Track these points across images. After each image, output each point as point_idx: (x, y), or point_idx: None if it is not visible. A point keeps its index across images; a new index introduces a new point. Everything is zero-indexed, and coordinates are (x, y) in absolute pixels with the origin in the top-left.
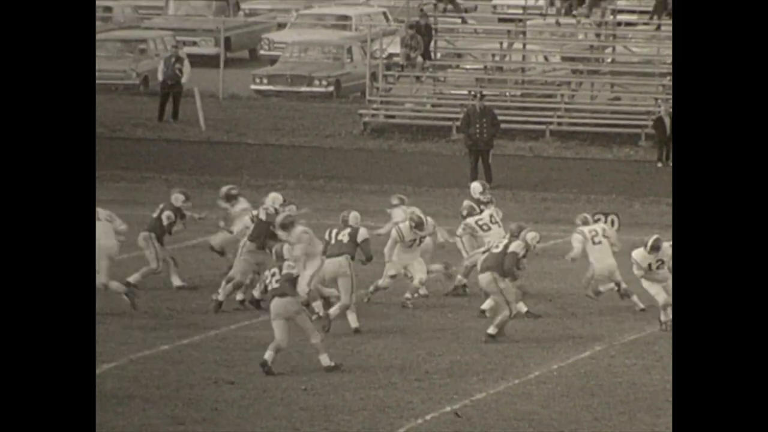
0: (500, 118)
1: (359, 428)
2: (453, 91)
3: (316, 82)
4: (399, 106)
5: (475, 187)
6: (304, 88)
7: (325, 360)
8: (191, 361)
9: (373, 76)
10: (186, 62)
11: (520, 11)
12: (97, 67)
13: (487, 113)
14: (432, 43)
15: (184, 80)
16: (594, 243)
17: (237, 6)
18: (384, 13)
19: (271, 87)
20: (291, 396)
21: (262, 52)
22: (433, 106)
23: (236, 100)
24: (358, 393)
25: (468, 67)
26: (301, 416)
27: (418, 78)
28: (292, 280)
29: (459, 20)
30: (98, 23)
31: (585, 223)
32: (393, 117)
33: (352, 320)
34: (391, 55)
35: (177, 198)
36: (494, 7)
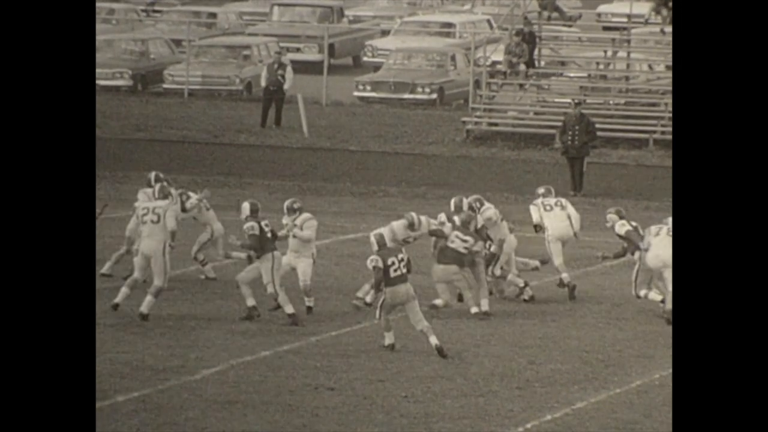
0: (603, 126)
1: None
2: (556, 99)
3: (420, 89)
4: (502, 114)
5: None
6: (407, 95)
7: (433, 340)
8: (291, 367)
9: (477, 84)
10: (289, 68)
11: (625, 19)
12: (201, 72)
13: (583, 121)
14: (536, 51)
15: (286, 86)
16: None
17: (341, 13)
18: (488, 21)
19: (374, 94)
20: (391, 403)
21: (365, 58)
22: (536, 113)
23: (339, 107)
24: (459, 400)
25: (572, 75)
26: (402, 423)
27: (521, 86)
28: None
29: (563, 28)
30: (202, 29)
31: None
32: (496, 125)
33: (485, 304)
34: (494, 63)
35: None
36: (598, 15)
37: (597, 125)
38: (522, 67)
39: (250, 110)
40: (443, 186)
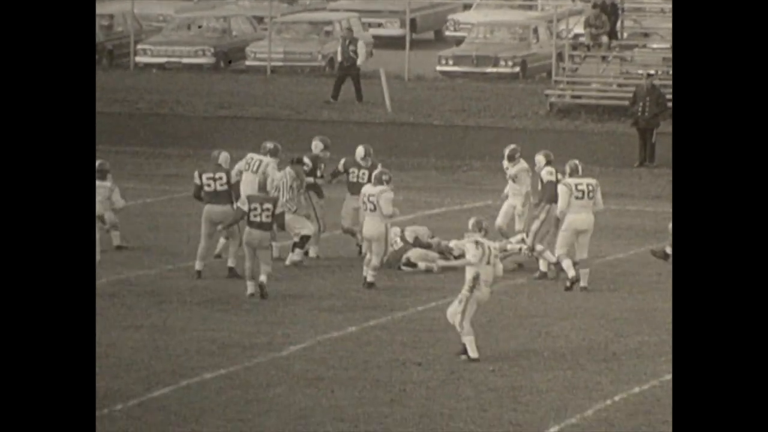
0: None
1: (547, 409)
2: (639, 71)
3: (502, 62)
4: (585, 86)
5: (358, 151)
6: (489, 69)
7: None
8: (378, 342)
9: (560, 57)
10: (360, 43)
11: None
12: (283, 49)
13: (654, 92)
14: (618, 23)
15: (359, 62)
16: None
17: None
18: None
19: (456, 68)
20: (479, 377)
21: (447, 32)
22: (619, 85)
23: (422, 82)
24: (546, 374)
25: (654, 46)
26: (489, 397)
27: (604, 58)
28: None
29: None
30: (284, 5)
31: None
32: (579, 97)
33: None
34: (577, 36)
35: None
36: None
37: None
38: (604, 39)
39: (333, 86)
40: (527, 159)
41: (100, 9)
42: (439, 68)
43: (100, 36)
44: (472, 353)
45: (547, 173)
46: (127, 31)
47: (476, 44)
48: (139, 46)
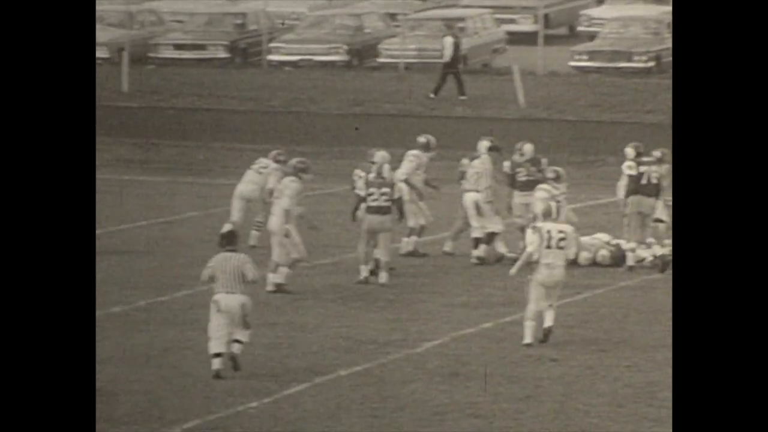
0: None
1: None
2: None
3: (636, 57)
4: None
5: (528, 149)
6: (623, 64)
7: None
8: (513, 338)
9: None
10: (445, 39)
11: None
12: (416, 46)
13: None
14: None
15: (444, 59)
16: None
17: None
18: None
19: (590, 63)
20: (614, 373)
21: (580, 28)
22: None
23: (555, 77)
24: None
25: None
26: (625, 393)
27: None
28: None
29: None
30: (417, 2)
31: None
32: None
33: None
34: None
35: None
36: None
37: None
38: None
39: (466, 82)
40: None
41: (232, 8)
42: (572, 64)
43: (233, 34)
44: (526, 338)
45: (626, 167)
46: (261, 29)
47: (610, 39)
48: (272, 45)
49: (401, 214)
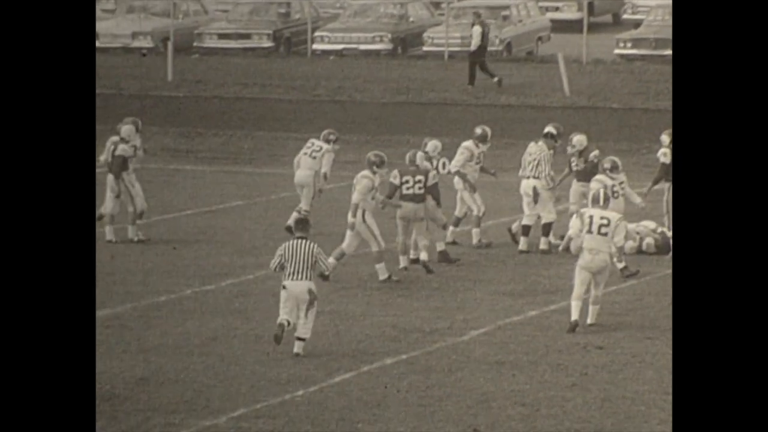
0: None
1: None
2: None
3: None
4: None
5: (580, 139)
6: (668, 52)
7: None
8: (559, 326)
9: None
10: (474, 28)
11: None
12: (460, 34)
13: None
14: None
15: (471, 48)
16: None
17: None
18: None
19: (635, 51)
20: (660, 361)
21: (625, 16)
22: None
23: (600, 65)
24: None
25: None
26: (672, 381)
27: None
28: None
29: None
30: None
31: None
32: None
33: None
34: None
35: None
36: None
37: None
38: None
39: (511, 70)
40: None
41: None
42: (617, 51)
43: (277, 24)
44: (573, 315)
45: (662, 154)
46: (305, 18)
47: (654, 27)
48: (316, 34)
49: (437, 202)
